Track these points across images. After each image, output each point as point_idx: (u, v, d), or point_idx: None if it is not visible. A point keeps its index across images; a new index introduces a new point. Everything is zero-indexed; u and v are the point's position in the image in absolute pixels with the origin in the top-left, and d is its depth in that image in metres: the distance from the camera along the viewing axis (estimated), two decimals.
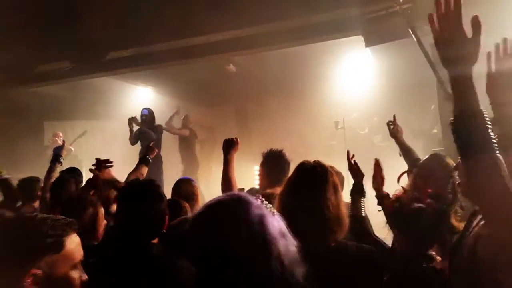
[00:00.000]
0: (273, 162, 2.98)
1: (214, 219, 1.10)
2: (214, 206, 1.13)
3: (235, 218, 1.07)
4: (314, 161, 1.82)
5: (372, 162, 2.58)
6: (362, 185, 2.44)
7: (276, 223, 1.11)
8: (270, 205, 1.16)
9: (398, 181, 2.50)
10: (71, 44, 5.37)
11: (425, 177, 2.48)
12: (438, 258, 1.81)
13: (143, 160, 3.55)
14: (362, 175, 2.53)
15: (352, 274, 1.56)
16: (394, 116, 3.44)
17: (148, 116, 6.86)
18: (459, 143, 1.23)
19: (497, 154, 1.17)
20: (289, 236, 1.13)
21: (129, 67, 6.29)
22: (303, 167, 1.79)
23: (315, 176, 1.72)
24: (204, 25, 4.85)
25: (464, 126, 1.21)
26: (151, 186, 1.91)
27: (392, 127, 3.40)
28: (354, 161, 2.63)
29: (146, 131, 6.71)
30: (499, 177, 1.15)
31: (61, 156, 3.71)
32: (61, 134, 8.43)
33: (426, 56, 3.93)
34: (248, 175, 7.39)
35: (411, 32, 3.92)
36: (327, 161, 2.54)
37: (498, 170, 1.16)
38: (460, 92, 1.24)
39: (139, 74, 7.29)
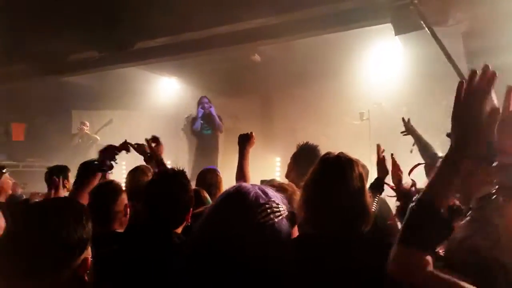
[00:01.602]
0: (305, 156, 2.96)
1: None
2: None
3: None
4: (339, 152, 1.79)
5: (397, 155, 2.53)
6: (383, 182, 2.39)
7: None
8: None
9: (409, 174, 2.39)
10: (100, 34, 5.43)
11: None
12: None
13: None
14: (387, 172, 2.47)
15: (376, 269, 1.51)
16: (408, 119, 3.60)
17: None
18: (412, 229, 1.15)
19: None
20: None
21: (155, 57, 6.35)
22: (327, 158, 1.76)
23: (339, 166, 1.69)
24: (229, 14, 4.81)
25: (426, 216, 1.13)
26: (178, 177, 1.93)
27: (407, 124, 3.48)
28: (383, 156, 2.57)
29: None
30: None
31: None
32: (87, 124, 8.62)
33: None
34: (270, 165, 7.37)
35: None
36: (351, 154, 2.48)
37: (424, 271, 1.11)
38: (443, 176, 1.15)
39: (165, 64, 7.35)
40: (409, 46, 5.96)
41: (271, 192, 1.19)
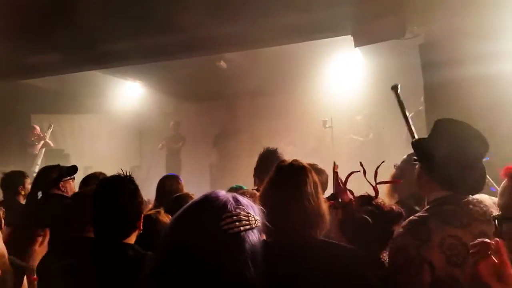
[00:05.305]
0: (265, 162, 3.00)
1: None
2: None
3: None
4: (292, 160, 1.82)
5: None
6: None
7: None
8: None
9: (345, 184, 2.31)
10: (61, 37, 5.31)
11: (396, 178, 2.56)
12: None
13: None
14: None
15: (332, 272, 1.56)
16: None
17: None
18: None
19: None
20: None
21: (118, 61, 6.26)
22: (281, 165, 1.80)
23: (293, 173, 1.72)
24: (195, 21, 4.83)
25: None
26: (124, 182, 1.81)
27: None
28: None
29: None
30: None
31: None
32: (37, 128, 8.17)
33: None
34: (234, 172, 7.40)
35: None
36: (314, 160, 2.51)
37: None
38: None
39: (128, 68, 7.25)
40: (368, 58, 6.18)
41: (245, 201, 1.14)
